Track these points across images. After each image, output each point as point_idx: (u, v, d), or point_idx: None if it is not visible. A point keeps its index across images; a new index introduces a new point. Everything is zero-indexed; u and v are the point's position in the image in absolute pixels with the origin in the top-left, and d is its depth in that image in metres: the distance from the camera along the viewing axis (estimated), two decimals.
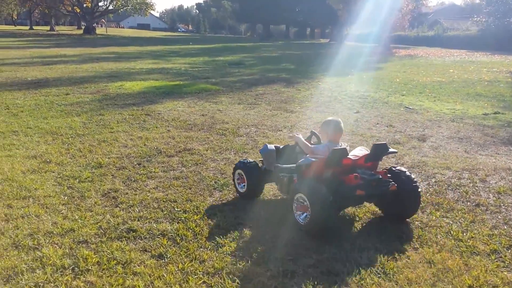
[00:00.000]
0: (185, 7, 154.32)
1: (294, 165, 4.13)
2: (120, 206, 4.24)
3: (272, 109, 9.88)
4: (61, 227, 3.74)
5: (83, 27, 64.54)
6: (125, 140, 6.73)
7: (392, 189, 3.84)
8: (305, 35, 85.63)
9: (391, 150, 4.04)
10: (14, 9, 78.93)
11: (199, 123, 8.06)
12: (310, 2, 63.93)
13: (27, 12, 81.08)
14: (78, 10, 61.50)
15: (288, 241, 3.64)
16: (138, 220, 3.95)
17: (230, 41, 57.50)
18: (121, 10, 64.30)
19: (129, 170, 5.33)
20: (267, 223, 3.98)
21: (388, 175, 4.00)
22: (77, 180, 4.88)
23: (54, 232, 3.65)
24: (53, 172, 5.09)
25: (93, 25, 61.72)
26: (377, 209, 4.25)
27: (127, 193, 4.56)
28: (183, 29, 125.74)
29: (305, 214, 3.73)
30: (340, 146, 4.00)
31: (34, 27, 76.67)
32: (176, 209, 4.22)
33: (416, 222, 4.07)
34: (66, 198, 4.37)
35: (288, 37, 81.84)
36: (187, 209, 4.22)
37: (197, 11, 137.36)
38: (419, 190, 3.98)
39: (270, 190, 4.75)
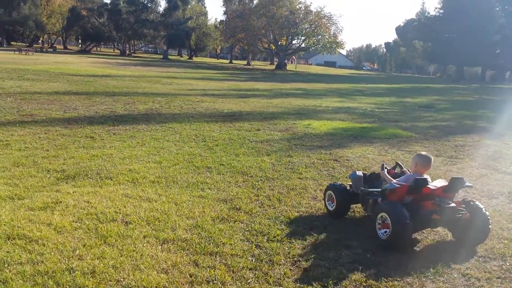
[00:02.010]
0: (373, 46, 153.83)
1: (379, 189, 4.73)
2: (313, 284, 3.57)
3: (479, 167, 8.36)
4: None
5: (275, 63, 69.15)
6: (315, 190, 6.17)
7: (465, 217, 4.29)
8: (503, 79, 76.29)
9: (467, 184, 4.47)
10: (218, 44, 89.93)
11: None
12: None
13: (229, 48, 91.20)
14: (273, 47, 66.23)
15: None
16: None
17: (418, 82, 54.73)
18: (312, 48, 66.91)
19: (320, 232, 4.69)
20: None
21: (463, 205, 4.44)
22: (266, 237, 4.40)
23: None
24: (242, 223, 4.74)
25: (285, 62, 65.54)
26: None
27: (319, 265, 3.88)
28: (368, 68, 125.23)
29: (386, 230, 4.25)
30: (423, 177, 4.44)
31: (233, 61, 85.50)
32: None
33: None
34: (254, 260, 3.88)
35: (483, 80, 74.01)
36: None
37: (385, 50, 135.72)
38: (489, 220, 4.40)
39: None
